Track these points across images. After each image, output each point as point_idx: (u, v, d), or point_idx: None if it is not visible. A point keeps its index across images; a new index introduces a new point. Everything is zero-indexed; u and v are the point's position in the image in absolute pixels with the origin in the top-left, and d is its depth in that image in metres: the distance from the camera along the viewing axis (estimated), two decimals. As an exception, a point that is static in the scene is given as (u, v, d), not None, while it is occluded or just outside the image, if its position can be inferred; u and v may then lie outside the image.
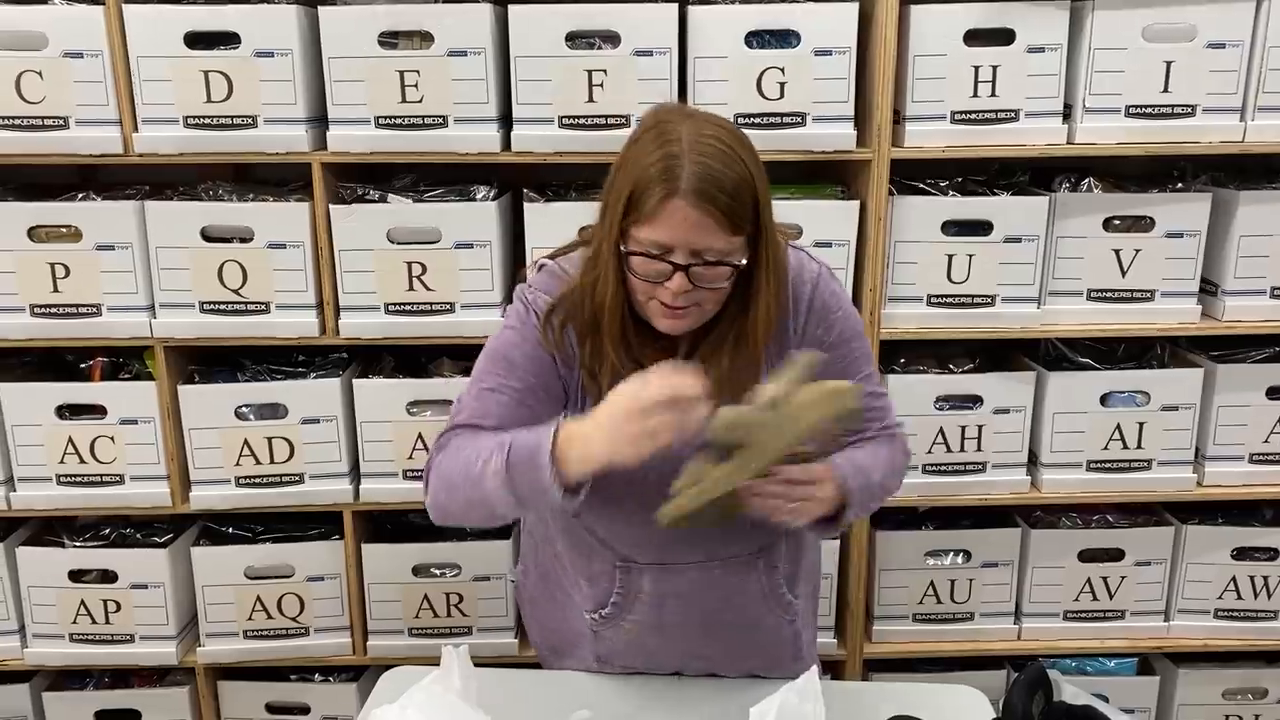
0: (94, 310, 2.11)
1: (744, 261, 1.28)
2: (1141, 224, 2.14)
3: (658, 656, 1.53)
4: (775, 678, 1.45)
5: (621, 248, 1.27)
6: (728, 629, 1.50)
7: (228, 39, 2.00)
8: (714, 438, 1.23)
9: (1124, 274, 2.15)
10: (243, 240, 2.08)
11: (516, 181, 2.23)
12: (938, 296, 2.14)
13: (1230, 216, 2.14)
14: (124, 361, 2.24)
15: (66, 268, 2.08)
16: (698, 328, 1.34)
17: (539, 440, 1.22)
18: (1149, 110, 2.06)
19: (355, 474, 2.22)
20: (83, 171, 2.30)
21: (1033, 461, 2.26)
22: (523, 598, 1.69)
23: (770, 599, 1.51)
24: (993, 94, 2.05)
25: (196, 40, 2.00)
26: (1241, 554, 2.31)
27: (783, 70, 2.02)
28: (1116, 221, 2.14)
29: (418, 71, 2.01)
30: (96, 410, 2.16)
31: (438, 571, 2.27)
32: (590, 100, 2.02)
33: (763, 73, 2.02)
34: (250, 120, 2.02)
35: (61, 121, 2.02)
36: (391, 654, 2.29)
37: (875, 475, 1.41)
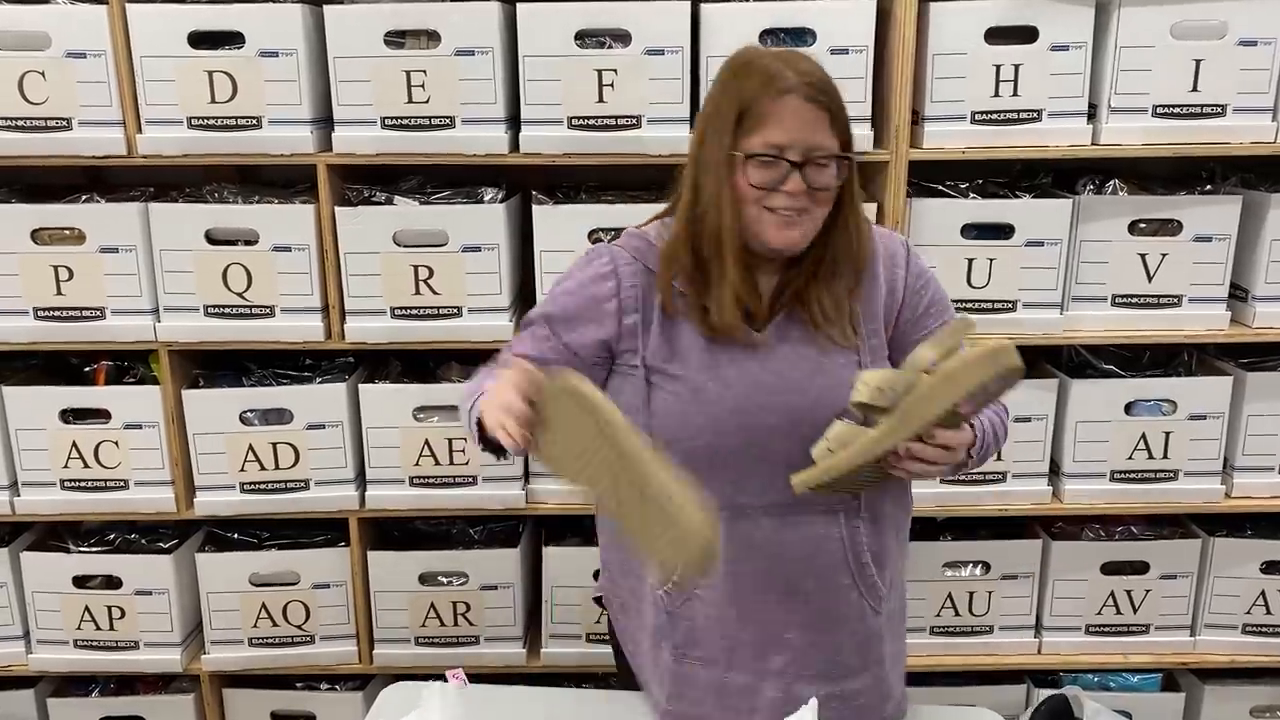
0: (98, 313, 2.08)
1: (850, 157, 1.32)
2: (1169, 227, 2.08)
3: (739, 640, 1.43)
4: (864, 679, 1.45)
5: (738, 154, 1.30)
6: (809, 603, 1.41)
7: (232, 39, 1.97)
8: (859, 400, 1.23)
9: (1150, 279, 2.08)
10: (247, 243, 2.05)
11: (524, 183, 2.19)
12: (957, 301, 2.06)
13: (1261, 220, 2.07)
14: (128, 365, 2.21)
15: (70, 270, 2.06)
16: (779, 269, 1.38)
17: (474, 403, 1.32)
18: (1177, 110, 2.00)
19: (361, 480, 2.19)
20: (88, 173, 2.28)
21: (1054, 471, 2.19)
22: (613, 606, 1.59)
23: (854, 570, 1.42)
24: (1015, 93, 1.99)
25: (200, 40, 1.97)
26: (1270, 567, 2.24)
27: (798, 69, 1.96)
28: (1142, 224, 2.08)
29: (424, 71, 1.97)
30: (101, 414, 2.14)
31: (445, 580, 2.24)
32: (600, 100, 1.97)
33: (777, 72, 1.96)
34: (255, 121, 1.99)
35: (65, 122, 2.00)
36: (398, 663, 2.26)
37: (1000, 427, 1.47)
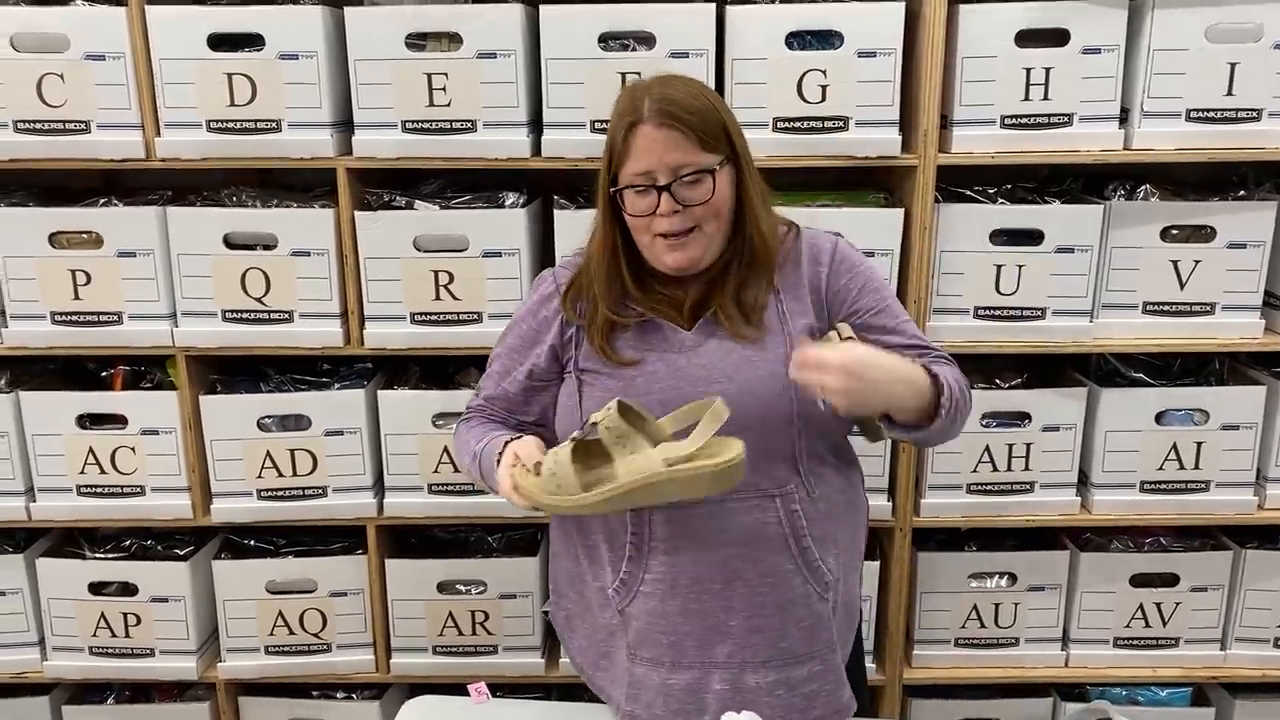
0: (115, 318, 2.06)
1: (721, 166, 1.36)
2: (1201, 234, 2.04)
3: (683, 633, 1.43)
4: (811, 665, 1.44)
5: (612, 191, 1.38)
6: (751, 589, 1.41)
7: (251, 41, 1.95)
8: (601, 423, 1.27)
9: (1182, 286, 2.05)
10: (266, 247, 2.03)
11: (543, 187, 2.16)
12: (985, 309, 2.05)
13: (1296, 226, 2.03)
14: (146, 370, 2.19)
15: (88, 274, 2.04)
16: (701, 280, 1.43)
17: (492, 464, 1.40)
18: (1212, 114, 1.96)
19: (379, 487, 2.16)
20: (105, 176, 2.26)
21: (1083, 482, 2.16)
22: (559, 620, 1.61)
23: (795, 554, 1.41)
24: (1045, 97, 1.96)
25: (220, 42, 1.95)
26: (1304, 580, 2.20)
27: (825, 72, 1.94)
28: (1175, 231, 2.04)
29: (446, 74, 1.94)
30: (117, 420, 2.12)
31: (463, 588, 2.21)
32: (624, 104, 1.95)
33: (804, 75, 1.93)
34: (274, 124, 1.97)
35: (83, 125, 1.98)
36: (415, 672, 2.24)
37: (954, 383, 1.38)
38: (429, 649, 2.23)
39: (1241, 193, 2.08)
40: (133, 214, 2.03)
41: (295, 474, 2.13)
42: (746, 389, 1.37)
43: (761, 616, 1.42)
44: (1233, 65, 1.94)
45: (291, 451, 2.12)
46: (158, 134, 1.99)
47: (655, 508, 1.40)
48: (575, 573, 1.53)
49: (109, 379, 2.19)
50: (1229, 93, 1.95)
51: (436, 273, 2.03)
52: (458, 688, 2.13)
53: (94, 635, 2.21)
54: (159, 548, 2.25)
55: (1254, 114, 1.96)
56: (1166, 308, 2.06)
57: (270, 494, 2.14)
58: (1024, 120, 1.97)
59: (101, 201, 2.07)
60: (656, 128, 1.33)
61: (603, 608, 1.49)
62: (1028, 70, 1.95)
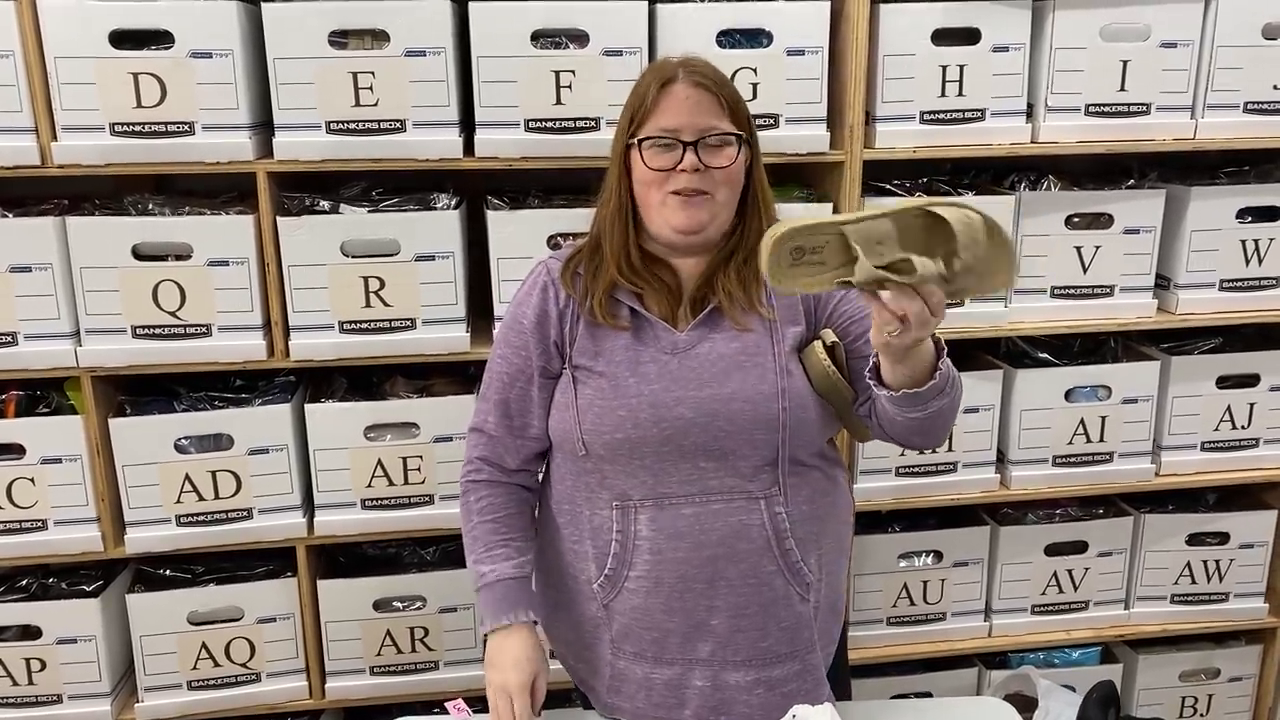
0: (8, 339, 1.90)
1: (746, 139, 1.39)
2: (1100, 221, 2.17)
3: (666, 629, 1.44)
4: (791, 665, 1.46)
5: (634, 142, 1.38)
6: (733, 588, 1.43)
7: (159, 38, 1.83)
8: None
9: (1085, 270, 2.18)
10: (179, 258, 1.91)
11: (468, 188, 2.12)
12: (909, 298, 2.12)
13: (1182, 212, 2.18)
14: (41, 394, 2.03)
15: (-25, 293, 1.87)
16: (704, 265, 1.44)
17: (483, 616, 1.47)
18: (1107, 109, 2.09)
19: (309, 506, 2.07)
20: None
21: (1000, 459, 2.27)
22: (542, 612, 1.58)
23: (778, 555, 1.43)
24: (960, 93, 2.04)
25: (124, 39, 1.82)
26: (1194, 539, 2.37)
27: (755, 70, 1.96)
28: (1076, 219, 2.17)
29: (372, 73, 1.87)
30: (13, 450, 1.95)
31: (400, 605, 2.14)
32: (558, 102, 1.92)
33: (734, 73, 1.95)
34: (187, 127, 1.85)
35: (-34, 130, 1.82)
36: (353, 695, 2.15)
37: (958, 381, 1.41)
38: (366, 670, 2.15)
39: (1131, 182, 2.23)
40: (27, 225, 1.87)
41: (218, 497, 2.01)
42: (738, 393, 1.38)
43: (744, 616, 1.44)
44: (1125, 63, 2.08)
45: (213, 473, 2.00)
46: (54, 139, 1.84)
47: (644, 504, 1.41)
48: (560, 566, 1.51)
49: (0, 406, 2.01)
50: (1122, 88, 2.09)
51: (366, 279, 1.95)
52: (405, 709, 2.06)
53: (-9, 686, 2.04)
54: (62, 585, 2.08)
55: (1144, 108, 2.10)
56: (1072, 291, 2.18)
57: (191, 519, 2.01)
58: (941, 116, 2.05)
59: (-11, 212, 1.90)
60: (691, 87, 1.37)
61: (588, 601, 1.48)
62: (944, 68, 2.03)
